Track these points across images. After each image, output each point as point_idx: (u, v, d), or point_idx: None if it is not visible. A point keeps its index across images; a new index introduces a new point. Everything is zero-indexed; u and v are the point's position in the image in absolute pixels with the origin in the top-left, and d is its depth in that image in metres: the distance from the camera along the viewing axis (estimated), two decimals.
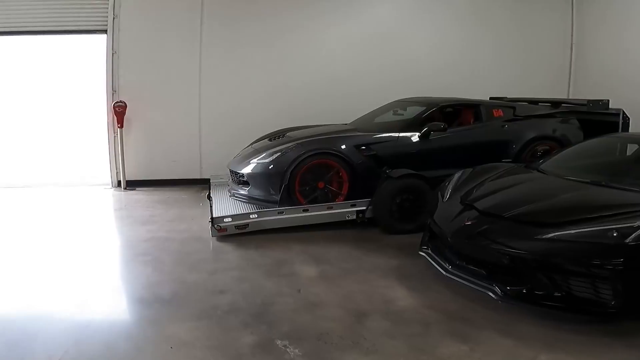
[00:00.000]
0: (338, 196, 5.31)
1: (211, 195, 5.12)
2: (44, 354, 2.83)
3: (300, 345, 2.93)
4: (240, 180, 5.63)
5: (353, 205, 5.19)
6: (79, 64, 7.76)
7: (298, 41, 7.67)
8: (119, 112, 7.12)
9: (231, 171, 5.88)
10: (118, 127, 7.24)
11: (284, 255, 4.56)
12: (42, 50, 7.63)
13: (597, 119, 6.06)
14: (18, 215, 6.11)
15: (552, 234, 3.06)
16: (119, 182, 7.53)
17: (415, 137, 5.48)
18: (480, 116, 5.87)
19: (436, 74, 7.95)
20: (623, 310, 2.87)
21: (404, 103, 6.46)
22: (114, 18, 7.22)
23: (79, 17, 7.28)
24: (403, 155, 5.40)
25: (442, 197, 4.14)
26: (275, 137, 6.20)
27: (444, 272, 3.60)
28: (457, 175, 4.38)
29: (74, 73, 7.80)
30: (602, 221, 3.02)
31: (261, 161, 5.39)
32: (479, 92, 7.29)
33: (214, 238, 4.99)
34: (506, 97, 7.35)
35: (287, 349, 2.90)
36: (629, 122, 5.91)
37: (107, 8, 7.18)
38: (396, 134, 5.47)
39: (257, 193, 5.36)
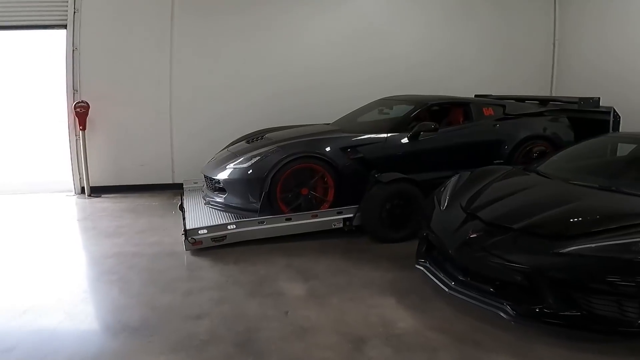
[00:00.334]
0: (323, 203, 4.93)
1: (184, 206, 4.61)
2: None
3: None
4: (216, 187, 5.18)
5: (340, 213, 4.82)
6: (38, 61, 7.12)
7: (276, 36, 7.22)
8: (80, 113, 6.54)
9: (206, 177, 5.42)
10: (80, 129, 6.67)
11: (267, 270, 4.15)
12: None
13: (587, 117, 5.88)
14: None
15: (571, 248, 2.76)
16: (83, 189, 6.96)
17: (404, 138, 5.15)
18: (470, 115, 5.59)
19: (418, 71, 7.65)
20: None
21: (389, 101, 6.13)
22: (74, 12, 6.63)
23: (36, 11, 6.67)
24: (392, 157, 5.06)
25: (439, 204, 3.81)
26: (253, 139, 5.77)
27: (447, 289, 3.27)
28: (453, 180, 4.07)
29: (33, 71, 7.15)
30: (624, 233, 2.73)
31: (239, 166, 4.96)
32: (461, 89, 7.05)
33: (188, 252, 4.53)
34: (491, 95, 7.12)
35: None
36: (619, 121, 5.74)
37: (67, 1, 6.59)
38: (384, 135, 5.12)
39: (234, 201, 4.92)
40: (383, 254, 4.50)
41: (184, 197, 6.04)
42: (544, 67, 8.33)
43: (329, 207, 4.88)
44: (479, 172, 4.14)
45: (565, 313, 2.75)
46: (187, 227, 4.52)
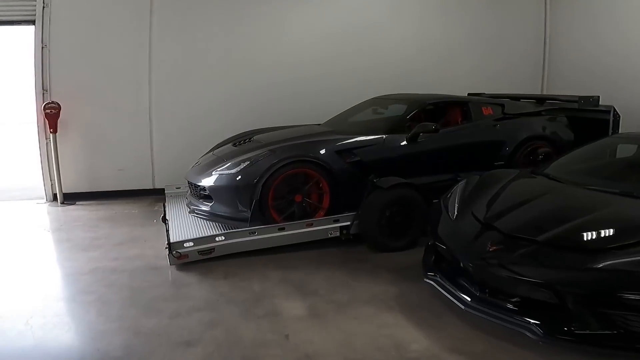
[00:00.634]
0: (318, 210, 4.61)
1: (167, 217, 4.23)
2: None
3: None
4: (202, 194, 4.81)
5: (336, 221, 4.50)
6: (6, 59, 6.61)
7: (262, 31, 6.84)
8: (51, 114, 6.06)
9: (190, 183, 5.04)
10: (50, 131, 6.19)
11: (261, 285, 3.81)
12: None
13: (586, 116, 5.71)
14: None
15: (606, 263, 2.50)
16: (55, 196, 6.48)
17: (402, 139, 4.86)
18: (469, 115, 5.34)
19: (409, 68, 7.40)
20: None
21: (384, 101, 5.84)
22: (43, 7, 6.15)
23: (1, 5, 6.16)
24: (389, 160, 4.77)
25: (448, 212, 3.53)
26: (241, 141, 5.42)
27: (463, 307, 2.99)
28: (460, 186, 3.80)
29: (1, 70, 6.64)
30: None
31: (226, 172, 4.60)
32: (451, 87, 6.84)
33: (173, 267, 4.16)
34: (484, 93, 6.91)
35: None
36: (619, 120, 5.57)
37: None
38: (381, 136, 4.83)
39: (222, 210, 4.56)
40: (384, 264, 4.21)
41: (166, 204, 5.64)
42: (534, 64, 8.17)
43: (325, 215, 4.57)
44: (486, 177, 3.89)
45: (599, 332, 2.50)
46: (171, 240, 4.13)
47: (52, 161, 6.34)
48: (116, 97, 6.45)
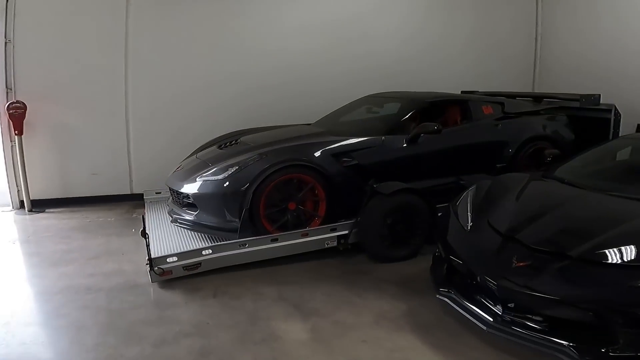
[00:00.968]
0: (313, 219, 4.27)
1: (147, 231, 3.80)
2: None
3: None
4: (185, 202, 4.40)
5: (333, 230, 4.17)
6: None
7: (248, 26, 6.42)
8: (15, 115, 5.55)
9: (171, 190, 4.63)
10: (15, 133, 5.68)
11: (255, 305, 3.44)
12: None
13: (587, 115, 5.53)
14: None
15: None
16: (22, 203, 5.96)
17: (401, 140, 4.55)
18: (469, 114, 5.07)
19: (398, 66, 7.11)
20: None
21: (378, 99, 5.53)
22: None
23: None
24: (389, 163, 4.46)
25: (460, 221, 3.24)
26: (226, 143, 5.04)
27: (485, 327, 2.69)
28: (471, 193, 3.51)
29: None
30: None
31: (212, 178, 4.21)
32: (442, 84, 6.61)
33: (156, 284, 3.75)
34: (477, 91, 6.69)
35: None
36: (620, 119, 5.40)
37: None
38: (380, 137, 4.51)
39: (208, 219, 4.18)
40: (387, 276, 3.90)
41: (146, 214, 5.21)
42: (526, 62, 8.00)
43: (321, 224, 4.23)
44: (498, 182, 3.62)
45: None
46: (153, 255, 3.72)
47: (17, 165, 5.82)
48: (89, 95, 5.96)
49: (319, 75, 6.66)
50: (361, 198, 4.20)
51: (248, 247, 3.93)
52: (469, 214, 3.24)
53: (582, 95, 5.39)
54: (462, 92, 6.71)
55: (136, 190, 6.23)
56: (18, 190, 5.96)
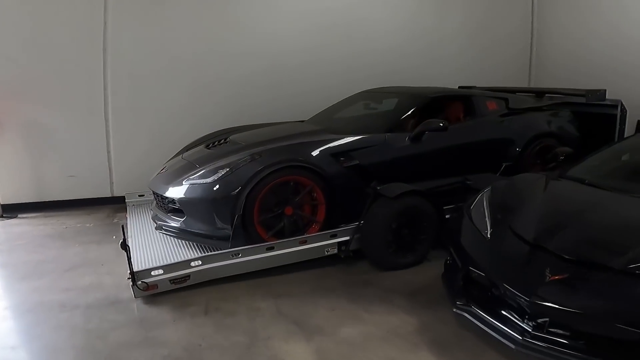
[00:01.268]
0: (312, 224, 3.94)
1: (127, 243, 3.38)
2: None
3: None
4: (170, 208, 4.04)
5: (333, 236, 3.85)
6: None
7: (236, 19, 6.03)
8: None
9: (155, 194, 4.26)
10: None
11: (251, 322, 3.10)
12: None
13: (592, 111, 5.32)
14: None
15: None
16: None
17: (404, 138, 4.25)
18: (473, 110, 4.80)
19: (392, 61, 6.83)
20: None
21: (376, 94, 5.23)
22: None
23: None
24: (391, 163, 4.16)
25: (477, 226, 2.95)
26: (215, 142, 4.69)
27: (514, 346, 2.41)
28: (486, 195, 3.23)
29: None
30: None
31: (200, 181, 3.85)
32: (436, 79, 6.41)
33: (140, 300, 3.39)
34: (475, 87, 6.44)
35: None
36: (626, 115, 5.20)
37: None
38: (382, 135, 4.20)
39: (196, 226, 3.82)
40: (393, 286, 3.60)
41: (127, 221, 4.83)
42: (522, 56, 7.79)
43: (320, 229, 3.90)
44: (514, 184, 3.36)
45: None
46: (136, 268, 3.35)
47: None
48: (64, 92, 5.52)
49: (310, 71, 6.33)
50: (362, 201, 3.90)
51: (241, 256, 3.58)
52: (486, 219, 2.96)
53: (588, 91, 5.16)
54: (459, 87, 6.45)
55: (117, 193, 5.83)
56: None
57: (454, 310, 2.88)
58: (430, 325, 3.02)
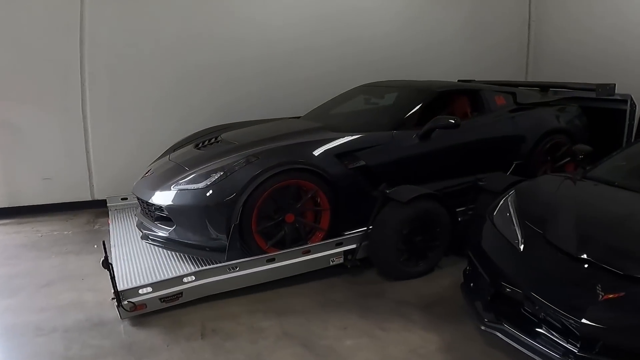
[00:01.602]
0: (315, 232, 3.61)
1: (110, 261, 2.93)
2: None
3: None
4: (158, 216, 3.66)
5: (339, 245, 3.53)
6: None
7: (224, 6, 5.62)
8: None
9: (140, 200, 3.87)
10: None
11: (254, 345, 2.77)
12: None
13: (601, 106, 5.11)
14: None
15: None
16: None
17: (412, 136, 3.94)
18: (482, 105, 4.51)
19: (388, 53, 6.49)
20: None
21: (377, 89, 4.91)
22: None
23: None
24: (399, 163, 3.85)
25: (505, 236, 2.67)
26: (205, 141, 4.32)
27: None
28: (511, 200, 2.95)
29: None
30: None
31: (191, 186, 3.47)
32: (432, 73, 6.11)
33: (126, 320, 3.02)
34: (474, 80, 6.19)
35: None
36: (635, 110, 5.00)
37: None
38: (389, 133, 3.88)
39: (187, 237, 3.46)
40: (405, 298, 3.31)
41: (110, 223, 4.45)
42: (519, 49, 7.56)
43: (324, 238, 3.58)
44: (538, 187, 3.11)
45: None
46: (121, 287, 2.98)
47: None
48: (37, 88, 5.04)
49: (305, 63, 5.97)
50: (369, 206, 3.59)
51: (239, 270, 3.24)
52: (516, 227, 2.67)
53: (598, 85, 4.93)
54: (458, 80, 6.18)
55: (98, 196, 5.40)
56: None
57: (482, 328, 2.59)
58: (453, 343, 2.74)
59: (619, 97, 5.01)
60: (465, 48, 7.12)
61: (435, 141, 3.98)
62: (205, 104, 5.58)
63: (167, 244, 3.58)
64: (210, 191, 3.36)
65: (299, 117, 4.99)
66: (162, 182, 3.70)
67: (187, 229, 3.45)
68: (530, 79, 7.58)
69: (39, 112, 5.10)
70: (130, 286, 3.02)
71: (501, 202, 2.96)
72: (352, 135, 3.79)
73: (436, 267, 3.71)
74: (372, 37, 6.38)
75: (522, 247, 2.53)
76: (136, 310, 2.97)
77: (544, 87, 5.42)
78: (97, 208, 5.30)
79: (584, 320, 2.03)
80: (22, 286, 3.57)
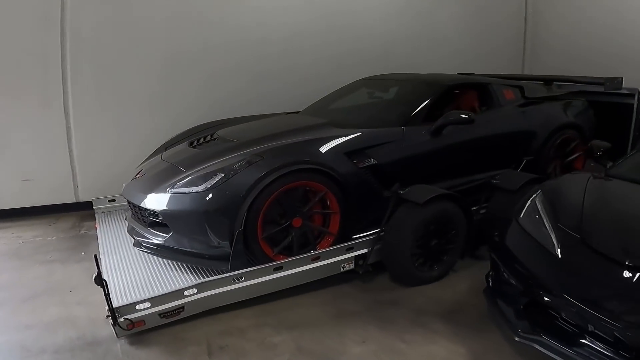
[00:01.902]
0: (323, 237, 3.37)
1: (103, 277, 2.61)
2: None
3: None
4: (152, 221, 3.38)
5: (349, 249, 3.30)
6: None
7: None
8: None
9: (131, 204, 3.57)
10: None
11: None
12: None
13: (607, 100, 4.99)
14: None
15: None
16: None
17: (423, 132, 3.72)
18: (491, 99, 4.32)
19: (383, 46, 6.27)
20: None
21: (381, 82, 4.68)
22: None
23: None
24: (411, 161, 3.63)
25: (539, 241, 2.48)
26: (200, 139, 4.04)
27: None
28: (539, 201, 2.76)
29: None
30: None
31: (189, 189, 3.19)
32: (428, 66, 5.88)
33: (123, 339, 2.75)
34: (474, 74, 6.00)
35: None
36: None
37: None
38: (400, 129, 3.65)
39: (186, 244, 3.18)
40: (423, 306, 3.10)
41: (98, 226, 4.16)
42: (515, 43, 7.41)
43: (333, 242, 3.34)
44: (565, 187, 2.91)
45: None
46: (116, 303, 2.70)
47: None
48: (15, 83, 4.66)
49: (301, 52, 5.68)
50: (380, 208, 3.37)
51: (244, 280, 2.98)
52: (549, 231, 2.48)
53: (606, 79, 4.79)
54: (458, 74, 5.99)
55: (83, 198, 5.08)
56: None
57: (516, 338, 2.39)
58: (482, 355, 2.56)
59: (626, 91, 4.89)
60: (460, 40, 6.92)
61: (446, 137, 3.77)
62: (197, 98, 5.28)
63: (162, 251, 3.30)
64: (210, 195, 3.09)
65: (297, 112, 4.73)
66: (156, 185, 3.41)
67: (185, 236, 3.17)
68: (527, 71, 7.46)
69: (17, 109, 4.72)
70: (126, 302, 2.74)
71: (528, 204, 2.76)
72: (361, 132, 3.55)
73: (451, 270, 3.51)
74: (366, 27, 6.13)
75: (559, 252, 2.34)
76: (134, 327, 2.70)
77: (547, 81, 5.26)
78: (82, 211, 4.98)
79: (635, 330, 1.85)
80: (3, 300, 3.26)
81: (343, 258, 3.26)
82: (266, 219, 3.13)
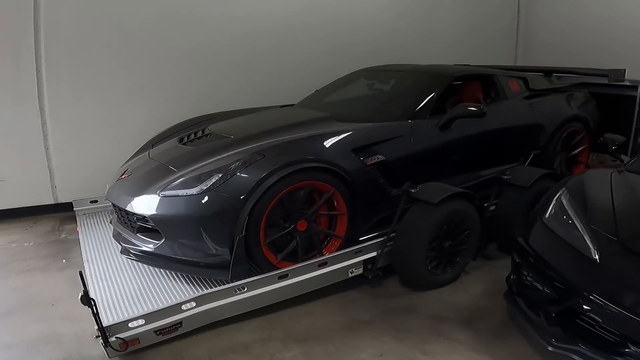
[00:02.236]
0: (330, 240, 3.14)
1: (90, 296, 2.31)
2: None
3: None
4: (140, 227, 3.09)
5: (358, 253, 3.07)
6: None
7: None
8: None
9: (117, 207, 3.27)
10: None
11: None
12: None
13: (609, 92, 4.89)
14: None
15: None
16: None
17: (430, 126, 3.51)
18: (497, 91, 4.13)
19: (376, 39, 6.04)
20: None
21: (381, 73, 4.45)
22: None
23: None
24: (419, 157, 3.41)
25: (571, 244, 2.30)
26: (190, 134, 3.76)
27: None
28: (565, 200, 2.58)
29: None
30: None
31: (182, 192, 2.91)
32: (423, 57, 5.59)
33: (115, 358, 2.48)
34: (470, 65, 5.82)
35: None
36: None
37: None
38: (407, 123, 3.43)
39: (179, 252, 2.90)
40: (439, 312, 2.91)
41: (80, 230, 3.85)
42: (508, 34, 7.28)
43: (340, 246, 3.12)
44: (592, 185, 2.73)
45: None
46: (106, 321, 2.42)
47: None
48: None
49: (294, 45, 5.42)
50: (388, 207, 3.16)
51: (247, 290, 2.73)
52: (582, 233, 2.30)
53: (610, 70, 4.66)
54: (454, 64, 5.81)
55: (62, 199, 4.73)
56: None
57: (549, 348, 2.21)
58: None
59: (628, 83, 4.79)
60: (452, 32, 6.76)
61: (454, 131, 3.56)
62: (183, 90, 4.97)
63: (153, 260, 3.02)
64: (207, 197, 2.82)
65: (292, 105, 4.48)
66: (145, 186, 3.12)
67: (179, 243, 2.90)
68: (520, 63, 7.34)
69: None
70: (117, 319, 2.47)
71: (553, 203, 2.59)
72: (367, 126, 3.32)
73: (464, 271, 3.34)
74: (359, 20, 5.90)
75: (597, 256, 2.16)
76: (127, 347, 2.42)
77: (547, 72, 5.11)
78: (61, 212, 4.66)
79: None
80: None
81: (351, 263, 3.03)
82: (268, 223, 2.88)
